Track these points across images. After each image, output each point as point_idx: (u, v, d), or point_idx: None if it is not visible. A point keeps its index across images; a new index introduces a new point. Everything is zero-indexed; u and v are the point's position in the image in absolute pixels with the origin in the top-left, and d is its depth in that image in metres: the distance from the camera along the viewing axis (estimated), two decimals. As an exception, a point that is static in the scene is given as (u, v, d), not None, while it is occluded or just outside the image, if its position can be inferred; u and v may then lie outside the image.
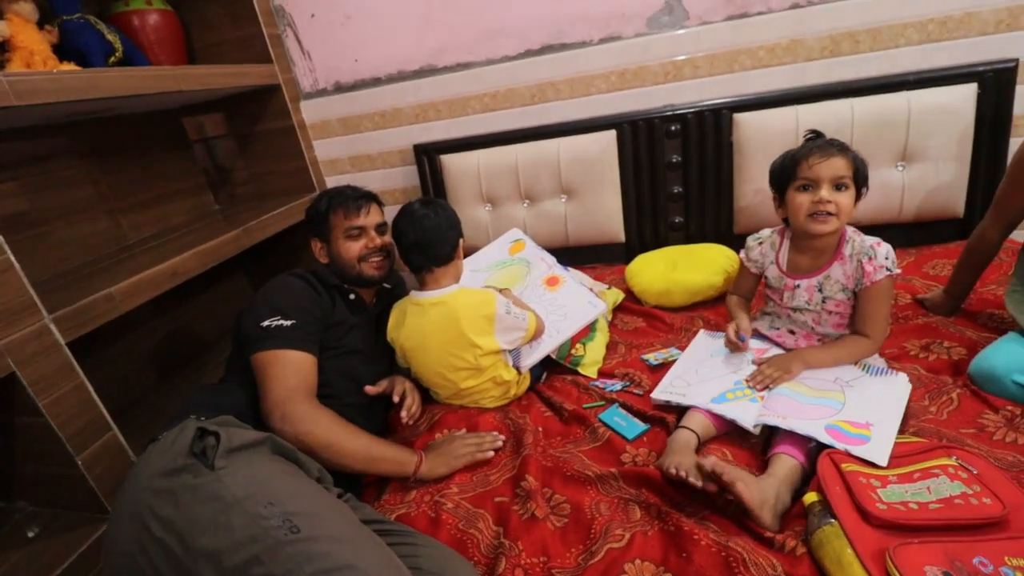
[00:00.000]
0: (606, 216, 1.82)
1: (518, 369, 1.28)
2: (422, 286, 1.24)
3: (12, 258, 1.01)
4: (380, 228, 1.28)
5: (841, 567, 0.72)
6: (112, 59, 1.53)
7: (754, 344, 1.21)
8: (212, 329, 1.99)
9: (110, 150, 1.66)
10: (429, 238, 1.18)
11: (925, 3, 1.52)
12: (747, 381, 1.10)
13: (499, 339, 1.22)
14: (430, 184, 1.95)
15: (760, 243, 1.21)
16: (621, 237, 1.86)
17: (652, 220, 1.85)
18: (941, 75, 1.51)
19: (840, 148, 1.04)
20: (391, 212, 1.26)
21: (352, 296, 1.25)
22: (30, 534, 1.13)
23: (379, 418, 1.26)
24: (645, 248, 1.80)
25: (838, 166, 1.01)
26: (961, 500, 0.77)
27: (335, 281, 1.23)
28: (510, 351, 1.27)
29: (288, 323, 1.07)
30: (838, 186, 1.02)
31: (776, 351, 1.18)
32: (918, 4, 1.53)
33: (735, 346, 1.17)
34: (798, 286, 1.13)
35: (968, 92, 1.49)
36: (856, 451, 0.90)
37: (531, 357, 1.30)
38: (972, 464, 0.83)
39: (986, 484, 0.79)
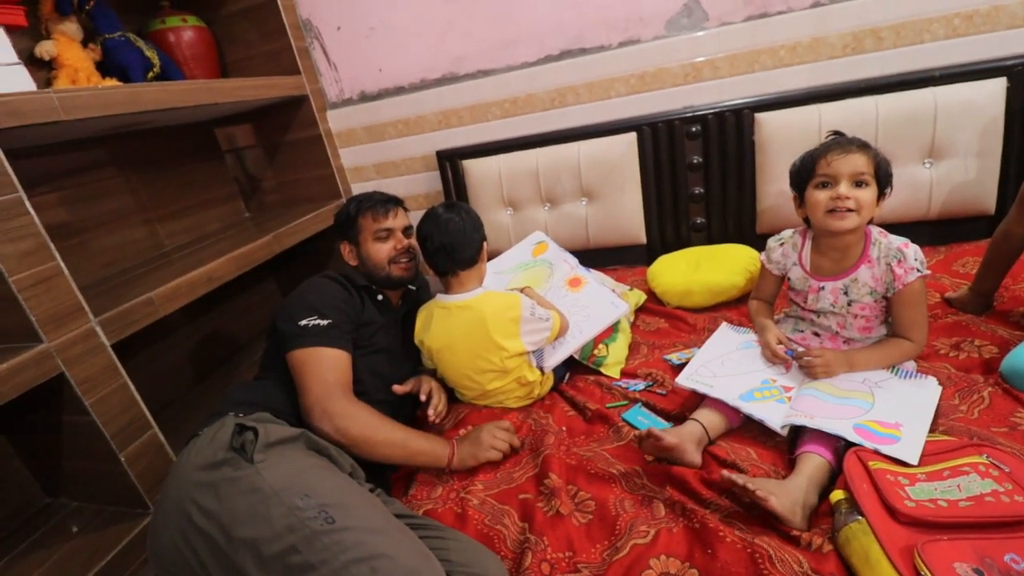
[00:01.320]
0: (627, 218, 1.83)
1: (541, 369, 1.30)
2: (448, 289, 1.27)
3: (62, 264, 1.07)
4: (407, 231, 1.32)
5: (868, 564, 0.72)
6: (151, 74, 1.60)
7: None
8: (245, 331, 2.05)
9: (147, 161, 1.74)
10: (454, 241, 1.21)
11: (951, -2, 1.51)
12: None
13: (525, 341, 1.24)
14: (452, 189, 1.98)
15: (782, 244, 1.20)
16: (642, 239, 1.86)
17: (673, 221, 1.85)
18: (968, 70, 1.49)
19: (860, 145, 1.03)
20: (415, 217, 1.30)
21: (380, 297, 1.28)
22: (74, 529, 1.18)
23: (406, 415, 1.29)
24: (667, 249, 1.80)
25: (858, 162, 1.01)
26: (992, 498, 0.76)
27: (364, 283, 1.27)
28: (534, 352, 1.29)
29: (324, 322, 1.11)
30: (858, 183, 1.01)
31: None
32: (942, -1, 1.51)
33: (779, 358, 1.12)
34: (823, 288, 1.12)
35: (996, 87, 1.46)
36: (886, 450, 0.89)
37: (554, 357, 1.31)
38: (1004, 462, 0.82)
39: (1018, 482, 0.78)
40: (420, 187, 2.08)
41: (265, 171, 2.08)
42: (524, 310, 1.22)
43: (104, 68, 1.53)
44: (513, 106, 1.89)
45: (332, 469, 0.90)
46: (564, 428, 1.18)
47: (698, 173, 1.78)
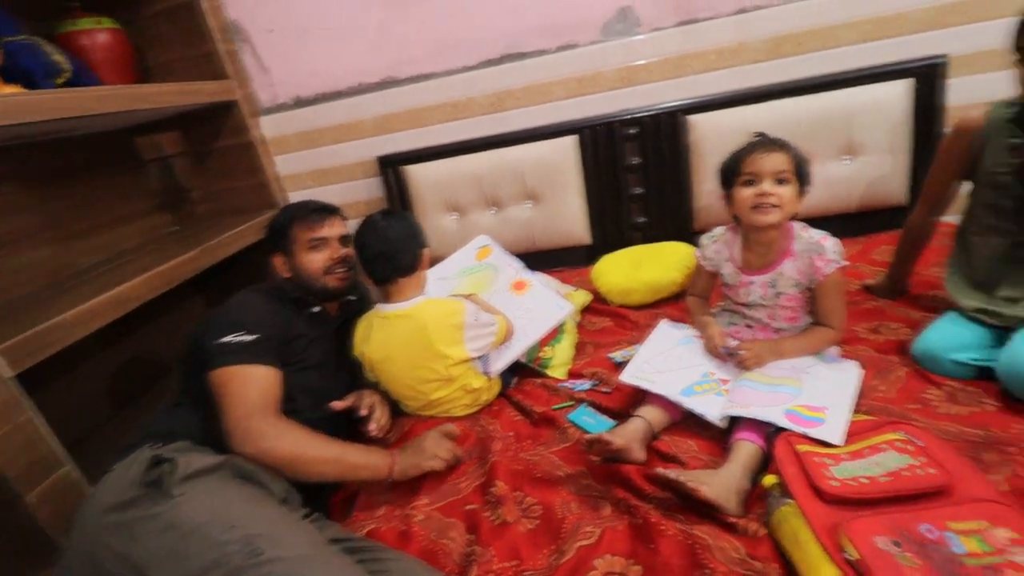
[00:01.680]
0: (570, 219, 1.85)
1: (487, 375, 1.29)
2: (387, 298, 1.24)
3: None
4: (343, 240, 1.28)
5: (798, 544, 0.74)
6: (60, 80, 1.49)
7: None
8: (173, 353, 1.93)
9: (58, 174, 1.61)
10: (392, 248, 1.18)
11: (860, 5, 1.61)
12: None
13: (469, 347, 1.22)
14: (395, 195, 1.95)
15: (714, 241, 1.24)
16: (586, 239, 1.89)
17: (616, 221, 1.89)
18: (878, 72, 1.59)
19: (781, 145, 1.09)
20: (356, 225, 1.26)
21: (316, 309, 1.24)
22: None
23: (344, 432, 1.24)
24: (610, 249, 1.83)
25: (779, 161, 1.06)
26: (908, 472, 0.81)
27: (297, 295, 1.22)
28: (479, 358, 1.28)
29: (250, 338, 1.05)
30: (780, 180, 1.07)
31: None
32: (854, 6, 1.61)
33: (719, 356, 1.16)
34: (752, 282, 1.17)
35: (904, 87, 1.57)
36: (813, 433, 0.93)
37: (500, 362, 1.30)
38: (918, 437, 0.87)
39: (931, 455, 0.83)
40: (361, 194, 2.03)
41: (194, 181, 1.98)
42: (467, 316, 1.21)
43: (7, 74, 1.41)
44: (454, 110, 1.88)
45: (261, 497, 0.85)
46: (511, 433, 1.17)
47: (637, 174, 1.82)
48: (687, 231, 1.81)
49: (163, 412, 1.09)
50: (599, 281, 1.65)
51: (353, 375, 1.30)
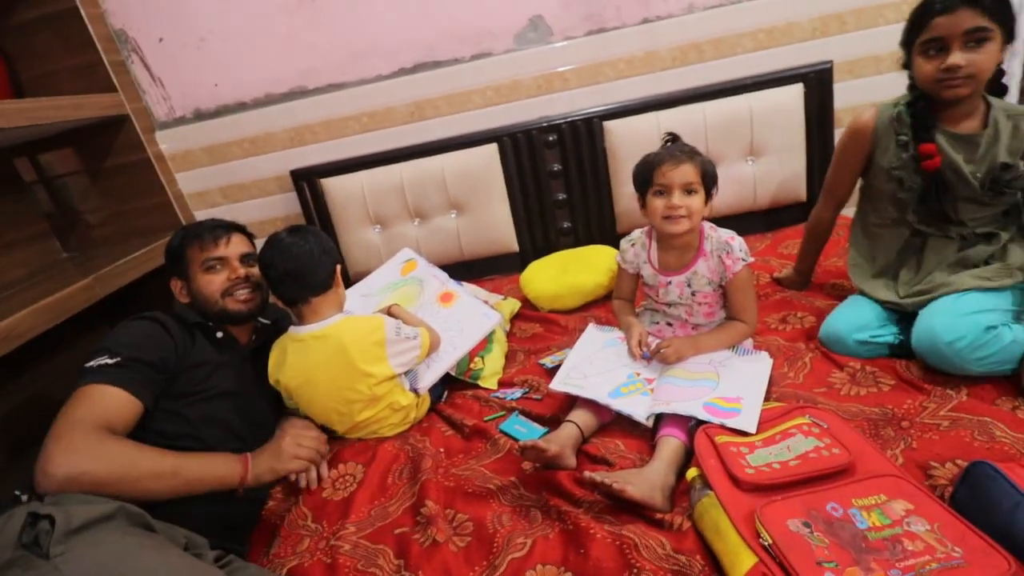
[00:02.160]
0: (497, 227, 1.85)
1: (416, 391, 1.25)
2: (300, 320, 1.17)
3: None
4: (246, 259, 1.20)
5: (719, 534, 0.76)
6: (-93, 96, 1.31)
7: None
8: (70, 394, 1.75)
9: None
10: (300, 266, 1.11)
11: (754, 15, 1.72)
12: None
13: (393, 363, 1.18)
14: (312, 210, 1.87)
15: (632, 245, 1.28)
16: (514, 247, 1.89)
17: (542, 227, 1.90)
18: (772, 78, 1.70)
19: (689, 155, 1.12)
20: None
21: (220, 335, 1.15)
22: None
23: None
24: (538, 255, 1.84)
25: (687, 172, 1.10)
26: (815, 454, 0.85)
27: (197, 319, 1.13)
28: (406, 373, 1.24)
29: (111, 360, 0.95)
30: (688, 191, 1.11)
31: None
32: (748, 16, 1.72)
33: (637, 358, 1.19)
34: (670, 283, 1.21)
35: (796, 91, 1.69)
36: (729, 423, 0.97)
37: (428, 377, 1.27)
38: (823, 419, 0.92)
39: (835, 436, 0.88)
40: (276, 210, 1.93)
41: (87, 203, 1.81)
42: (388, 331, 1.17)
43: None
44: (371, 120, 1.83)
45: (160, 546, 0.77)
46: (442, 449, 1.14)
47: (559, 180, 1.84)
48: (611, 234, 1.86)
49: None
50: (528, 288, 1.66)
51: (275, 404, 1.22)
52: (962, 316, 0.99)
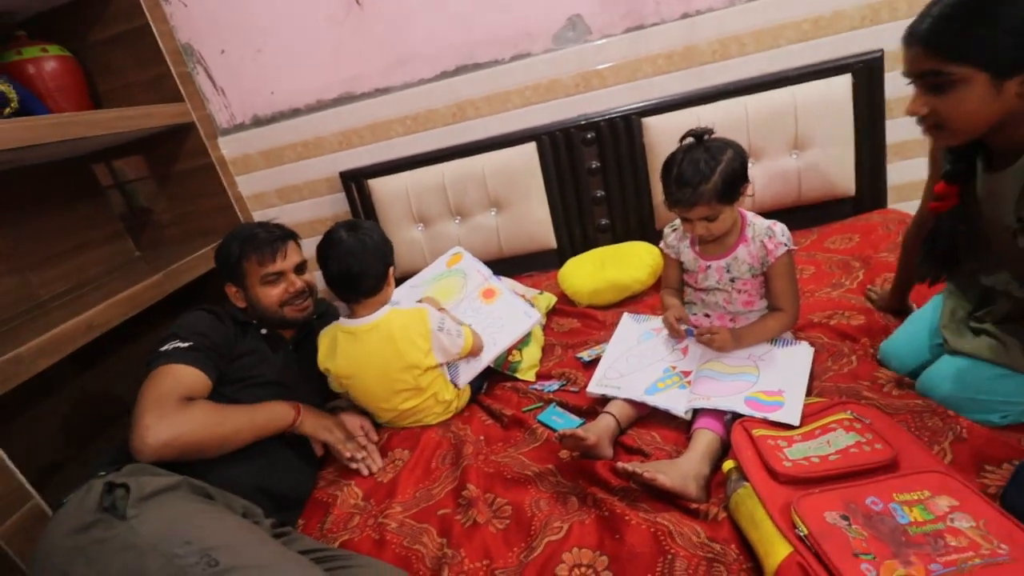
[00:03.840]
0: (536, 224, 1.88)
1: (456, 385, 1.30)
2: (352, 313, 1.23)
3: None
4: (299, 268, 1.26)
5: (755, 524, 0.77)
6: (7, 110, 1.46)
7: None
8: (140, 383, 1.89)
9: (12, 204, 1.58)
10: (355, 271, 1.15)
11: (799, 5, 1.68)
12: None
13: (436, 353, 1.23)
14: (360, 209, 1.95)
15: (675, 230, 1.28)
16: (552, 243, 1.92)
17: (580, 224, 1.92)
18: (818, 69, 1.66)
19: (697, 192, 1.04)
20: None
21: (264, 331, 1.23)
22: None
23: (308, 448, 1.21)
24: (576, 252, 1.86)
25: (700, 212, 1.07)
26: (856, 449, 0.84)
27: (245, 319, 1.22)
28: (448, 365, 1.29)
29: (184, 344, 1.06)
30: (708, 219, 1.09)
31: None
32: (792, 7, 1.68)
33: (675, 332, 1.20)
34: (709, 267, 1.20)
35: (844, 82, 1.64)
36: (773, 416, 0.97)
37: (467, 373, 1.32)
38: (865, 415, 0.91)
39: (877, 432, 0.87)
40: (326, 210, 2.03)
41: (156, 205, 1.95)
42: (432, 323, 1.22)
43: (-50, 106, 1.38)
44: (415, 123, 1.90)
45: (219, 511, 0.86)
46: (482, 437, 1.18)
47: (597, 177, 1.86)
48: (650, 231, 1.85)
49: (122, 442, 1.08)
50: (565, 283, 1.68)
51: (322, 390, 1.29)
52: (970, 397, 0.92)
